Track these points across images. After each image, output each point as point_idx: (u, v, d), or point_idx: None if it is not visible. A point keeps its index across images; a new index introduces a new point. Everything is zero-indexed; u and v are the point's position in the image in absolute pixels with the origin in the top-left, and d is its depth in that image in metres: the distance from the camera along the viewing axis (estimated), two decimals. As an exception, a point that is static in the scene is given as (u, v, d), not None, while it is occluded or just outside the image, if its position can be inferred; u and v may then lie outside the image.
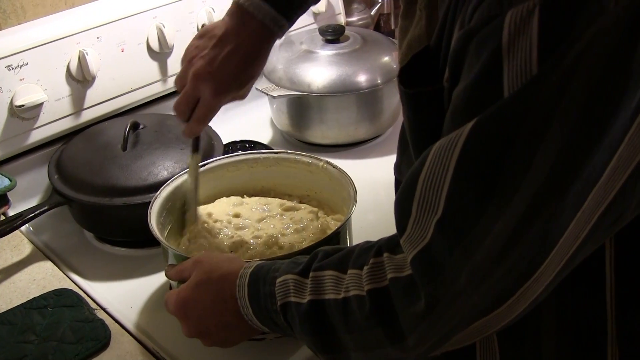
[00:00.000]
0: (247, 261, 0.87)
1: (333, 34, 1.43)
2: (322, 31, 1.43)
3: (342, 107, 1.38)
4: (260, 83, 1.41)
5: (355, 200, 1.02)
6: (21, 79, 1.23)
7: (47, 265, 1.15)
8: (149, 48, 1.37)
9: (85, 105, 1.32)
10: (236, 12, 0.98)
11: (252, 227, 1.08)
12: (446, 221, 0.63)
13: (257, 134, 1.47)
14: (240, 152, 1.19)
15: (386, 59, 1.42)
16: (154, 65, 1.39)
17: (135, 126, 1.25)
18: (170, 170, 1.17)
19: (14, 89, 1.22)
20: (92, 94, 1.32)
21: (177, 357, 0.98)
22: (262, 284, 0.81)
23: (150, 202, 1.06)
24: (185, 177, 1.11)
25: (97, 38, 1.30)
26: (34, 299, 1.06)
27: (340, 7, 1.66)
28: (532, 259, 0.62)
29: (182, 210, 1.11)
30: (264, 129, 1.51)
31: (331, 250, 0.79)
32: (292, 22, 1.00)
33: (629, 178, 0.60)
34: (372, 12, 1.77)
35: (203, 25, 1.22)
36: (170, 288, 1.05)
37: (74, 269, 1.15)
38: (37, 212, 1.16)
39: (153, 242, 1.02)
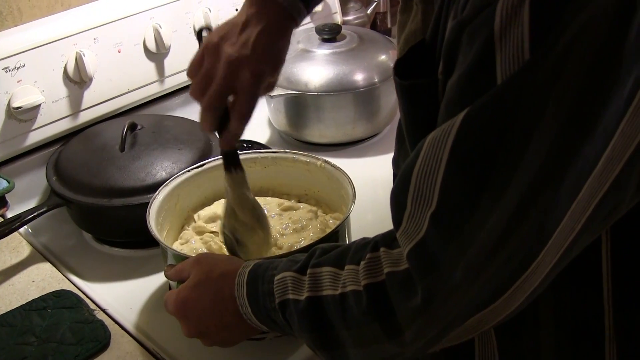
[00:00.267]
0: (246, 260, 0.87)
1: (330, 33, 1.43)
2: (319, 30, 1.43)
3: (340, 106, 1.38)
4: (258, 83, 1.41)
5: (354, 199, 1.02)
6: (18, 81, 1.23)
7: (46, 267, 1.15)
8: (145, 49, 1.37)
9: (83, 107, 1.32)
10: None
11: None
12: (441, 214, 0.63)
13: (254, 133, 1.47)
14: (238, 152, 1.19)
15: (383, 57, 1.42)
16: (151, 66, 1.39)
17: (132, 127, 1.25)
18: (168, 171, 1.17)
19: (11, 91, 1.22)
20: (90, 95, 1.32)
21: (177, 357, 0.98)
22: (261, 283, 0.81)
23: (148, 202, 1.06)
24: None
25: (94, 39, 1.30)
26: (33, 300, 1.06)
27: (337, 6, 1.66)
28: (528, 251, 0.62)
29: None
30: (262, 129, 1.51)
31: (329, 247, 0.79)
32: (310, 9, 0.96)
33: (624, 168, 0.60)
34: (369, 11, 1.77)
35: (203, 30, 1.20)
36: (170, 288, 1.05)
37: (73, 270, 1.15)
38: (35, 214, 1.16)
39: (152, 242, 1.02)
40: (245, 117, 0.91)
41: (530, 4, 0.56)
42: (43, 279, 1.12)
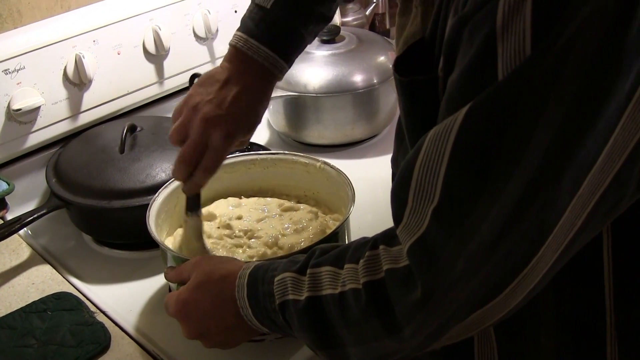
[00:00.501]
0: (246, 262, 0.87)
1: (328, 35, 1.43)
2: (318, 32, 1.43)
3: (339, 107, 1.38)
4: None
5: (354, 200, 1.02)
6: (18, 83, 1.23)
7: (46, 269, 1.15)
8: (145, 50, 1.38)
9: (83, 109, 1.32)
10: (236, 55, 0.96)
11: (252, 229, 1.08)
12: (443, 209, 0.63)
13: (254, 135, 1.46)
14: (237, 154, 1.19)
15: (382, 58, 1.42)
16: (150, 68, 1.40)
17: (132, 129, 1.25)
18: (168, 172, 1.17)
19: (11, 93, 1.22)
20: (89, 97, 1.32)
21: (177, 359, 0.98)
22: (261, 284, 0.81)
23: (148, 204, 1.06)
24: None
25: (94, 41, 1.30)
26: (33, 302, 1.06)
27: (336, 8, 1.66)
28: (528, 246, 0.62)
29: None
30: (261, 130, 1.51)
31: (328, 247, 0.80)
32: (290, 63, 0.99)
33: (625, 163, 0.60)
34: (367, 12, 1.77)
35: (195, 77, 1.20)
36: (170, 290, 1.05)
37: (73, 272, 1.15)
38: (35, 216, 1.16)
39: (152, 244, 1.02)
40: (210, 171, 0.96)
41: (532, 0, 0.56)
42: (43, 281, 1.12)
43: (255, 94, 0.97)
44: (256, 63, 0.96)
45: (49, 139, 1.30)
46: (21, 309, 1.05)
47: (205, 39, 1.45)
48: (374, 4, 1.78)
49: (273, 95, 1.35)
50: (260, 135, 1.49)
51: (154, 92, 1.42)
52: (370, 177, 1.24)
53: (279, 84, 1.37)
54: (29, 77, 1.24)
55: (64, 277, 1.13)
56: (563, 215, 0.61)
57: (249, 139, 1.01)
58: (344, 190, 1.06)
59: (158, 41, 1.37)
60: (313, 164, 1.13)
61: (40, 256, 1.19)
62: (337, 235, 0.99)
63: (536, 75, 0.57)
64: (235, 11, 1.48)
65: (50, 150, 1.32)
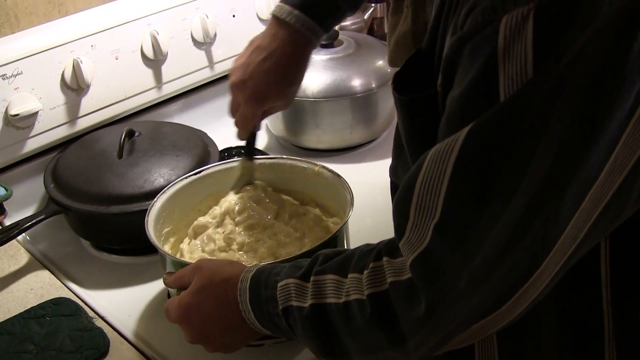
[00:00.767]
0: (248, 265, 0.87)
1: (327, 39, 1.43)
2: (316, 36, 1.43)
3: (337, 112, 1.38)
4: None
5: (352, 204, 1.02)
6: (16, 88, 1.23)
7: (45, 275, 1.15)
8: (143, 55, 1.37)
9: (81, 114, 1.32)
10: (271, 22, 1.03)
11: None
12: (445, 225, 0.64)
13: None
14: (236, 158, 1.19)
15: (380, 63, 1.42)
16: (148, 73, 1.39)
17: (130, 134, 1.24)
18: (166, 177, 1.17)
19: (8, 98, 1.22)
20: (87, 102, 1.32)
21: (176, 364, 0.98)
22: (264, 288, 0.81)
23: (147, 209, 1.06)
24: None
25: (92, 46, 1.30)
26: (32, 308, 1.06)
27: (334, 12, 1.66)
28: (531, 261, 0.63)
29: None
30: (260, 135, 1.51)
31: (331, 253, 0.79)
32: (325, 26, 1.02)
33: (626, 178, 0.61)
34: (366, 16, 1.77)
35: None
36: (169, 295, 1.05)
37: (71, 278, 1.15)
38: (33, 222, 1.16)
39: (150, 249, 1.02)
40: (240, 127, 1.10)
41: (534, 21, 0.56)
42: (41, 287, 1.12)
43: (283, 60, 1.02)
44: (288, 27, 1.00)
45: (47, 144, 1.30)
46: (20, 314, 1.05)
47: (204, 43, 1.45)
48: (372, 8, 1.78)
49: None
50: (259, 139, 1.49)
51: (152, 97, 1.42)
52: (368, 181, 1.24)
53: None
54: (26, 82, 1.24)
55: (62, 283, 1.13)
56: (565, 230, 0.62)
57: (286, 103, 1.08)
58: (343, 195, 1.06)
59: (156, 46, 1.37)
60: (311, 168, 1.13)
61: (38, 262, 1.19)
62: (336, 239, 0.99)
63: (538, 97, 0.58)
64: (234, 15, 1.48)
65: (49, 155, 1.31)
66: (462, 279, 0.64)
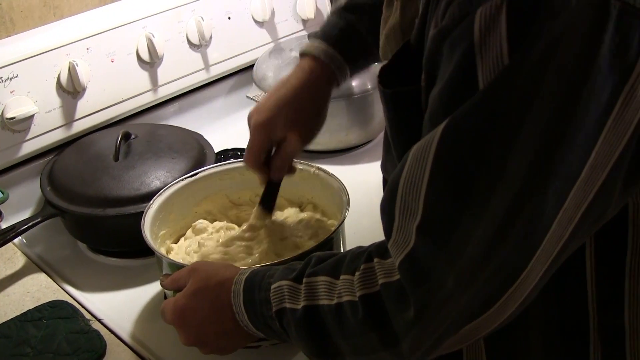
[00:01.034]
0: (242, 267, 0.87)
1: (322, 41, 1.43)
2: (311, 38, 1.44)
3: (333, 113, 1.36)
4: (251, 91, 1.41)
5: (348, 206, 1.02)
6: (11, 92, 1.23)
7: (41, 277, 1.15)
8: (139, 58, 1.38)
9: (77, 117, 1.32)
10: (298, 59, 1.00)
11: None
12: (426, 226, 0.64)
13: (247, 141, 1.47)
14: (232, 160, 1.19)
15: (376, 64, 1.42)
16: (144, 75, 1.39)
17: (126, 136, 1.25)
18: (162, 180, 1.17)
19: (4, 102, 1.22)
20: (83, 105, 1.32)
21: (173, 366, 0.98)
22: (257, 291, 0.81)
23: (143, 211, 1.06)
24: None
25: (87, 49, 1.30)
26: (29, 311, 1.06)
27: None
28: (517, 260, 0.63)
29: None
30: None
31: (324, 255, 0.80)
32: (353, 68, 1.00)
33: (608, 176, 0.61)
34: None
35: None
36: (166, 297, 1.05)
37: (68, 281, 1.15)
38: (30, 224, 1.16)
39: (147, 251, 1.02)
40: (245, 160, 1.00)
41: (506, 12, 0.57)
42: (38, 290, 1.12)
43: (298, 85, 0.97)
44: (311, 57, 0.98)
45: (43, 147, 1.30)
46: (16, 317, 1.04)
47: (199, 46, 1.45)
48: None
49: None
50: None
51: (147, 99, 1.42)
52: (364, 182, 1.24)
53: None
54: (22, 85, 1.24)
55: (59, 286, 1.13)
56: (550, 229, 0.62)
57: (297, 140, 0.98)
58: (339, 196, 1.06)
59: (152, 48, 1.37)
60: (307, 169, 1.13)
61: (35, 265, 1.19)
62: (332, 240, 0.99)
63: (514, 85, 0.58)
64: (229, 18, 1.48)
65: (45, 158, 1.32)
66: (449, 280, 0.64)
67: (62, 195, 1.19)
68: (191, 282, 0.88)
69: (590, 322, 0.74)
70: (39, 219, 1.17)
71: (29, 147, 1.28)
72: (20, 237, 1.21)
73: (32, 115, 1.25)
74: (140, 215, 1.05)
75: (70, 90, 1.29)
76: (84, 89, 1.31)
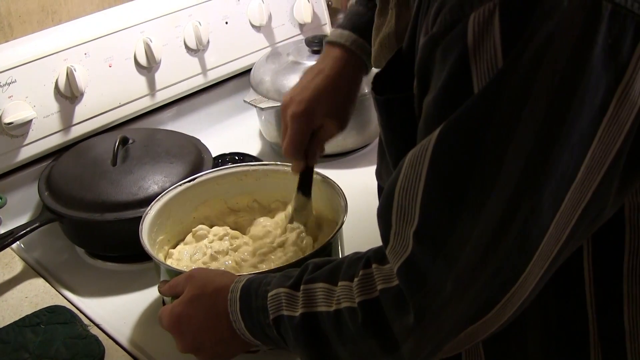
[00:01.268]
0: (239, 275, 0.87)
1: (319, 45, 1.43)
2: (309, 42, 1.44)
3: (330, 118, 1.38)
4: (248, 95, 1.41)
5: (346, 210, 1.02)
6: (9, 97, 1.23)
7: (39, 283, 1.15)
8: (136, 63, 1.38)
9: (75, 121, 1.32)
10: (325, 47, 1.01)
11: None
12: (423, 231, 0.64)
13: (246, 146, 1.47)
14: (229, 165, 1.20)
15: (372, 68, 1.42)
16: (142, 80, 1.40)
17: (124, 141, 1.25)
18: (160, 185, 1.17)
19: (2, 107, 1.22)
20: (81, 110, 1.32)
21: (172, 371, 0.98)
22: (254, 298, 0.81)
23: (141, 216, 1.06)
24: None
25: (85, 54, 1.31)
26: (27, 316, 1.06)
27: (326, 18, 1.67)
28: (515, 263, 0.63)
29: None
30: (253, 141, 1.51)
31: (321, 262, 0.80)
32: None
33: (604, 177, 0.61)
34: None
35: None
36: (164, 303, 1.05)
37: (66, 286, 1.15)
38: (28, 229, 1.16)
39: (145, 256, 1.02)
40: (286, 150, 1.01)
41: (499, 16, 0.57)
42: (36, 295, 1.12)
43: (334, 73, 0.98)
44: (340, 46, 0.99)
45: (41, 152, 1.30)
46: (14, 322, 1.04)
47: (197, 50, 1.45)
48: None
49: (264, 105, 1.37)
50: (252, 146, 1.50)
51: (145, 104, 1.42)
52: (362, 186, 1.23)
53: (270, 94, 1.38)
54: (20, 90, 1.24)
55: (57, 291, 1.13)
56: (547, 231, 0.62)
57: (338, 124, 1.01)
58: (337, 201, 1.07)
59: (149, 53, 1.37)
60: (305, 174, 1.13)
61: (33, 270, 1.19)
62: (330, 245, 1.00)
63: (508, 87, 0.58)
64: (226, 22, 1.49)
65: (43, 163, 1.32)
66: (447, 285, 0.64)
67: (60, 200, 1.19)
68: (188, 289, 0.88)
69: (590, 325, 0.74)
70: (37, 224, 1.17)
71: (27, 152, 1.28)
72: (18, 242, 1.21)
73: (30, 120, 1.25)
74: (138, 220, 1.05)
75: (68, 95, 1.29)
76: (82, 94, 1.31)
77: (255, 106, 1.38)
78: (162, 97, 1.44)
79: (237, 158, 1.40)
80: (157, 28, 1.39)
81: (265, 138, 1.49)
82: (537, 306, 0.71)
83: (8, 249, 1.18)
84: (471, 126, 0.60)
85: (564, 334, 0.75)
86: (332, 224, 1.11)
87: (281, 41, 1.58)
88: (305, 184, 1.09)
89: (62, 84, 1.28)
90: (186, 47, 1.44)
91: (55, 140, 1.31)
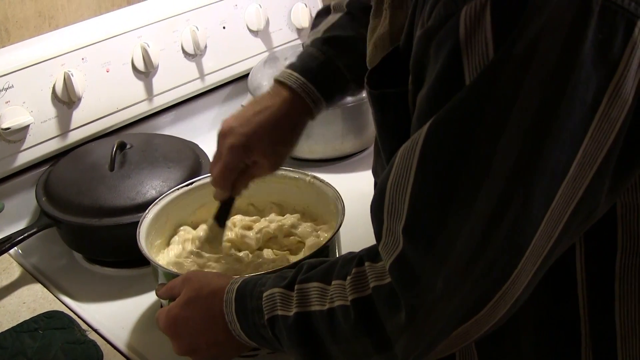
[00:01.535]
0: (234, 277, 0.87)
1: (317, 49, 1.43)
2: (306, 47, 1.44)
3: (328, 122, 1.39)
4: (246, 100, 1.41)
5: (343, 214, 1.02)
6: (7, 102, 1.23)
7: (37, 288, 1.15)
8: (134, 68, 1.38)
9: (72, 127, 1.32)
10: (273, 84, 0.98)
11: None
12: (411, 227, 0.64)
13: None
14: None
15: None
16: (139, 85, 1.40)
17: (122, 146, 1.25)
18: (158, 189, 1.17)
19: (-1, 112, 1.22)
20: (79, 115, 1.32)
21: (170, 376, 0.98)
22: (249, 299, 0.81)
23: (139, 221, 1.06)
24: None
25: (82, 59, 1.31)
26: (25, 322, 1.05)
27: (324, 22, 1.67)
28: (507, 261, 0.63)
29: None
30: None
31: (316, 262, 0.80)
32: (330, 100, 0.98)
33: (596, 174, 0.61)
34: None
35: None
36: (162, 307, 1.05)
37: (64, 291, 1.15)
38: (25, 235, 1.16)
39: (143, 261, 1.02)
40: (215, 182, 0.99)
41: (491, 9, 0.57)
42: (34, 300, 1.12)
43: (278, 114, 0.96)
44: (289, 89, 0.96)
45: (38, 157, 1.30)
46: (12, 328, 1.04)
47: (194, 55, 1.45)
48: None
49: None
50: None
51: (143, 109, 1.42)
52: (360, 190, 1.23)
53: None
54: (17, 95, 1.24)
55: (55, 296, 1.13)
56: (539, 228, 0.61)
57: (269, 165, 0.99)
58: (334, 204, 1.07)
59: (147, 58, 1.37)
60: (303, 178, 1.14)
61: (31, 275, 1.19)
62: (327, 248, 1.00)
63: (499, 80, 0.58)
64: (224, 27, 1.49)
65: (40, 168, 1.31)
66: (438, 282, 0.64)
67: (57, 205, 1.19)
68: (184, 291, 0.88)
69: (581, 324, 0.74)
70: (34, 230, 1.17)
71: (24, 158, 1.28)
72: (15, 248, 1.21)
73: (28, 126, 1.25)
74: (135, 225, 1.05)
75: (66, 100, 1.29)
76: (79, 99, 1.31)
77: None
78: (159, 102, 1.44)
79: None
80: (154, 33, 1.39)
81: (263, 142, 1.49)
82: (529, 306, 0.70)
83: (6, 255, 1.18)
84: (461, 120, 0.60)
85: (556, 334, 0.75)
86: (329, 227, 1.11)
87: (279, 46, 1.58)
88: (222, 215, 1.06)
89: (59, 89, 1.28)
90: (184, 52, 1.44)
91: (53, 146, 1.31)
